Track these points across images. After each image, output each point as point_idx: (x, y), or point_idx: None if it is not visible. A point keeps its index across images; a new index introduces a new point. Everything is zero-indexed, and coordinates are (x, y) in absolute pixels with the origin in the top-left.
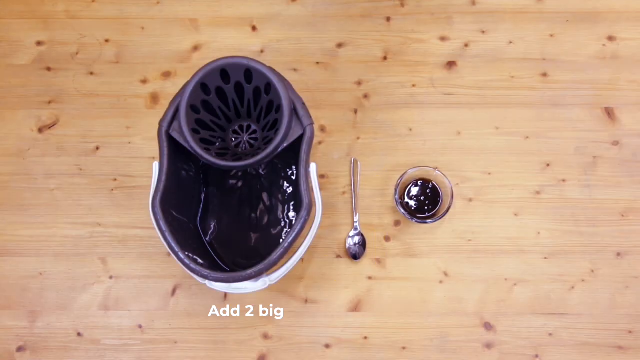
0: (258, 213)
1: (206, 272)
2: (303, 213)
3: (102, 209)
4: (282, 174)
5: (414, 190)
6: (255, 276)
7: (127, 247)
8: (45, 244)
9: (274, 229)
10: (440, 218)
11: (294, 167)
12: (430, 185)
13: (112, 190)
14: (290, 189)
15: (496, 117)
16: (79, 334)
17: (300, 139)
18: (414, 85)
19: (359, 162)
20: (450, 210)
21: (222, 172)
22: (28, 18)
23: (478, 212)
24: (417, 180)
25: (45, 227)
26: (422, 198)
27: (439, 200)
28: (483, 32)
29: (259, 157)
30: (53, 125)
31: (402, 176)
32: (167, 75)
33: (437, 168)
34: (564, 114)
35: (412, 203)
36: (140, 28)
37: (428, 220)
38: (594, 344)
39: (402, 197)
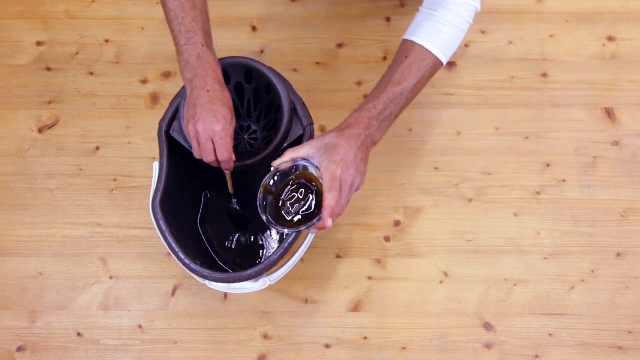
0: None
1: (206, 272)
2: None
3: (102, 209)
4: None
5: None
6: (256, 276)
7: (127, 247)
8: (45, 244)
9: None
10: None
11: None
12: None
13: (112, 190)
14: None
15: (496, 117)
16: (79, 334)
17: (300, 139)
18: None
19: None
20: (450, 210)
21: (222, 172)
22: (28, 18)
23: (478, 212)
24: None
25: (45, 227)
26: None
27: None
28: (483, 32)
29: (259, 157)
30: (53, 126)
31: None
32: (167, 75)
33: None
34: (564, 114)
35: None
36: (140, 28)
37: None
38: (594, 344)
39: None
